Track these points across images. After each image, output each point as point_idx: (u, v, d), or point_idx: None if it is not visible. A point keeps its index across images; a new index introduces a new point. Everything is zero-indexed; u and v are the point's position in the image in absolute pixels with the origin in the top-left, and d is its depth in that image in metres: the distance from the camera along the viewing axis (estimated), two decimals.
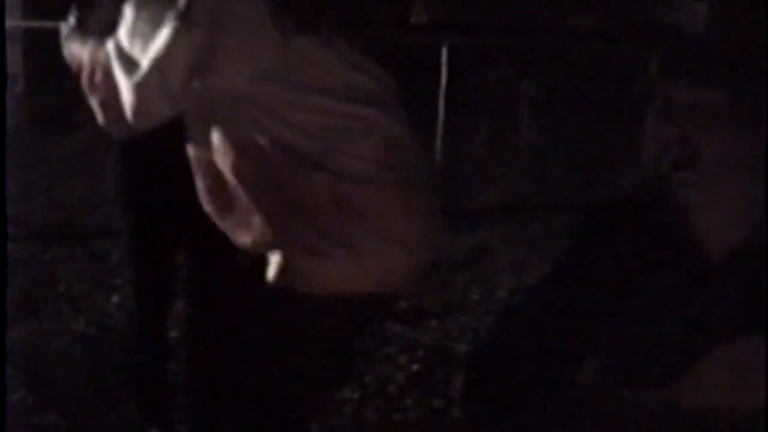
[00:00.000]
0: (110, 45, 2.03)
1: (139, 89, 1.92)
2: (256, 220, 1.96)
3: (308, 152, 1.89)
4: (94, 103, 2.13)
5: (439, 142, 8.17)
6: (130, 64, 1.97)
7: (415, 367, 4.01)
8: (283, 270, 1.96)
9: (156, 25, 1.92)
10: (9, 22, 8.52)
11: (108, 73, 2.03)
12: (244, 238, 2.01)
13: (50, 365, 3.87)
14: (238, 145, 1.93)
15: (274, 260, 1.98)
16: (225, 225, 2.03)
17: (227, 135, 1.94)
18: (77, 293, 4.69)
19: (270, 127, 1.90)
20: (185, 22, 1.87)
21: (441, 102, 8.19)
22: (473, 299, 4.94)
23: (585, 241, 1.76)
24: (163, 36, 1.89)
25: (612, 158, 7.75)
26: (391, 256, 1.96)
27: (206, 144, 1.99)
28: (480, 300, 4.92)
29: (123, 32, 2.02)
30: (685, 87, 1.57)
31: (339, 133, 1.91)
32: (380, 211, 1.92)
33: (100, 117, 2.13)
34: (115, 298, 4.52)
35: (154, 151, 2.52)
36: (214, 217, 2.04)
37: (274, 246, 1.98)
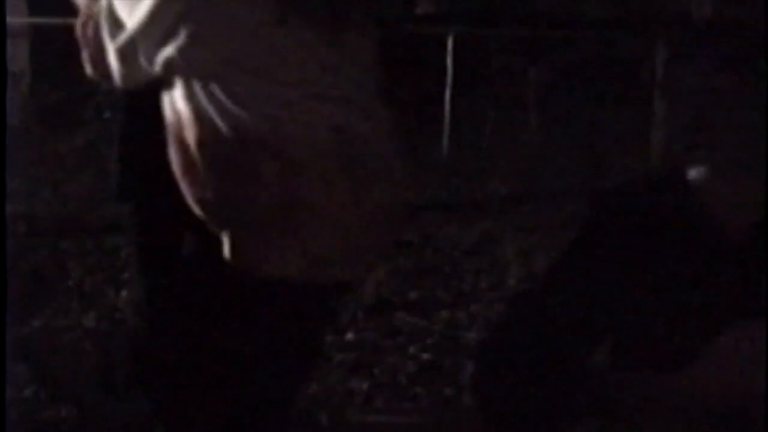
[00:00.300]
0: (103, 2, 2.06)
1: (120, 54, 2.01)
2: (210, 196, 2.02)
3: (260, 137, 1.95)
4: (84, 53, 2.15)
5: (446, 131, 8.16)
6: (116, 25, 2.03)
7: (425, 356, 4.01)
8: (232, 250, 2.01)
9: None
10: (15, 19, 8.53)
11: (98, 29, 2.08)
12: (201, 214, 2.07)
13: (61, 360, 3.88)
14: (201, 121, 1.99)
15: (225, 239, 2.03)
16: (190, 200, 2.08)
17: (193, 110, 2.00)
18: (87, 288, 4.70)
19: (229, 109, 1.96)
20: (185, 12, 1.93)
21: (448, 91, 8.19)
22: (483, 288, 4.93)
23: (596, 226, 1.75)
24: (146, 4, 1.95)
25: (621, 145, 7.74)
26: (330, 243, 2.00)
27: (177, 117, 2.04)
28: (490, 288, 4.92)
29: None
30: (698, 71, 1.56)
31: (293, 122, 1.97)
32: (323, 200, 1.97)
33: (88, 69, 2.16)
34: (124, 293, 4.53)
35: (158, 144, 2.52)
36: (184, 190, 2.09)
37: (222, 224, 2.03)
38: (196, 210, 2.08)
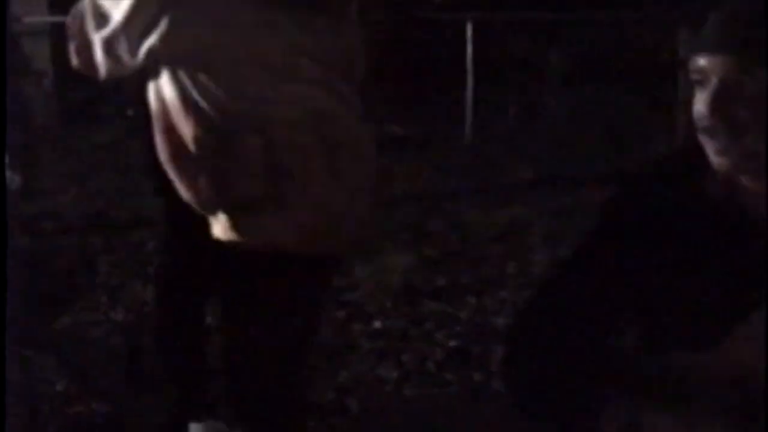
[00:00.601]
0: None
1: (105, 46, 2.09)
2: (202, 179, 2.12)
3: (243, 117, 2.05)
4: (70, 46, 2.22)
5: (468, 118, 8.14)
6: (101, 17, 2.11)
7: (453, 343, 4.01)
8: (226, 228, 2.13)
9: None
10: (36, 18, 8.58)
11: (84, 23, 2.16)
12: (193, 198, 2.16)
13: (91, 355, 3.91)
14: (187, 106, 2.07)
15: (220, 218, 2.13)
16: (179, 185, 2.17)
17: (179, 96, 2.08)
18: (115, 283, 4.72)
19: (212, 92, 2.04)
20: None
21: (469, 78, 8.16)
22: (509, 273, 4.92)
23: (621, 210, 1.74)
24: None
25: (643, 128, 7.69)
26: (313, 216, 2.11)
27: (163, 104, 2.12)
28: (516, 274, 4.91)
29: None
30: (718, 55, 1.54)
31: (272, 102, 2.07)
32: (304, 175, 2.08)
33: (74, 61, 2.23)
34: (151, 287, 4.55)
35: None
36: (173, 177, 2.18)
37: (214, 205, 2.14)
38: (186, 195, 2.17)
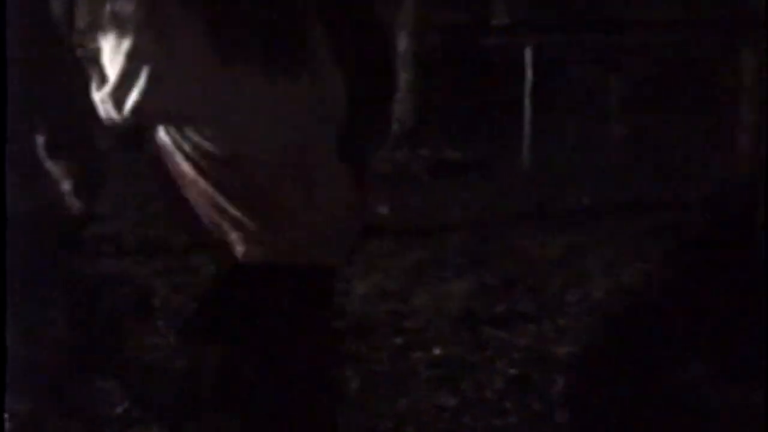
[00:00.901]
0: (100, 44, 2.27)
1: (102, 104, 2.23)
2: (201, 212, 2.29)
3: (222, 156, 2.22)
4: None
5: (526, 143, 8.11)
6: (101, 75, 2.25)
7: (512, 371, 3.97)
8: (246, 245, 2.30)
9: (120, 42, 2.19)
10: None
11: (89, 85, 2.31)
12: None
13: (150, 378, 3.92)
14: (180, 154, 2.24)
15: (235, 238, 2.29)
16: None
17: (172, 143, 2.25)
18: (173, 307, 4.75)
19: (197, 142, 2.22)
20: (140, 51, 2.16)
21: (527, 103, 8.14)
22: (569, 301, 4.87)
23: (683, 238, 1.71)
24: (118, 60, 2.18)
25: (703, 154, 7.61)
26: (298, 232, 2.29)
27: (160, 150, 2.27)
28: (576, 301, 4.85)
29: (104, 41, 2.24)
30: None
31: (250, 144, 2.25)
32: (283, 202, 2.28)
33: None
34: None
35: None
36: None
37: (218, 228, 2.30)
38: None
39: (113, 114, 2.24)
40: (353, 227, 2.48)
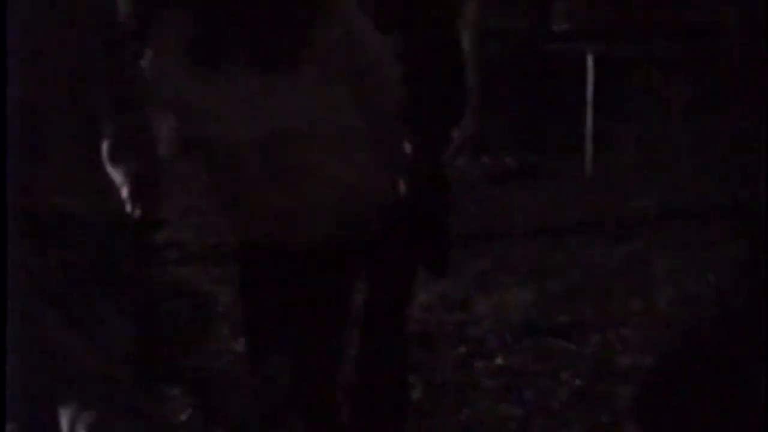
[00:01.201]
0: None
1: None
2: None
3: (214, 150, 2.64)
4: None
5: (589, 150, 8.04)
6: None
7: (577, 382, 3.93)
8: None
9: None
10: None
11: None
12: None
13: (215, 385, 3.94)
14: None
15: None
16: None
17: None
18: (236, 314, 4.76)
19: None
20: None
21: (589, 110, 8.07)
22: (633, 309, 4.81)
23: (753, 246, 1.68)
24: None
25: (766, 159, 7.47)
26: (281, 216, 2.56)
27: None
28: (640, 310, 4.79)
29: None
30: None
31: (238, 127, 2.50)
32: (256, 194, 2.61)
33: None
34: None
35: None
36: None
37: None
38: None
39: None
40: (337, 213, 2.57)
